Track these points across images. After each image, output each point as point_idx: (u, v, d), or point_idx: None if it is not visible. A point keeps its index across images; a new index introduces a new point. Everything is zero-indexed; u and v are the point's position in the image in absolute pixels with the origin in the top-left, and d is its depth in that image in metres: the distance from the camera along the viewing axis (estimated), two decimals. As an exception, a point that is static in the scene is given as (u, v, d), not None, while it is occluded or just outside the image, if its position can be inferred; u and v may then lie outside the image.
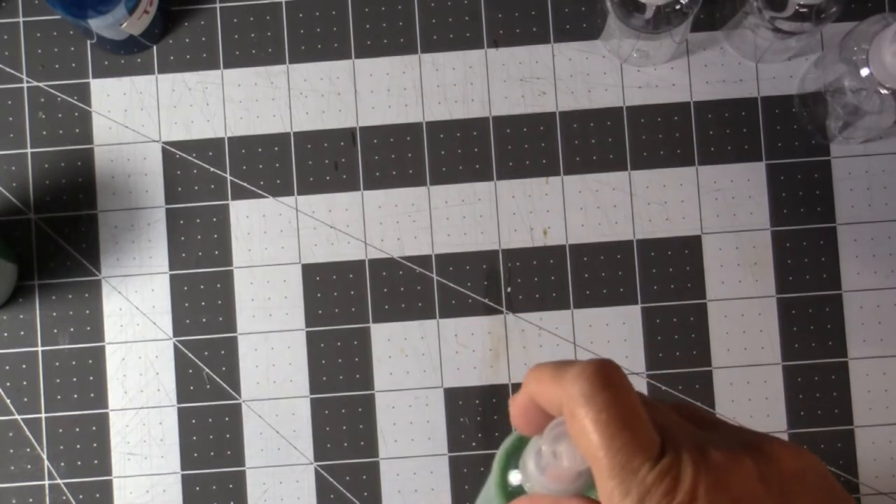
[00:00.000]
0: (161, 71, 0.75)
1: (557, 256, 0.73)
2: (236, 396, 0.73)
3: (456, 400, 0.73)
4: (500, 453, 0.44)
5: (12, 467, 0.73)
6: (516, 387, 0.73)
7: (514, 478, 0.43)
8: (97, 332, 0.73)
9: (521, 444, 0.43)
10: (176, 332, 0.73)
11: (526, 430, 0.42)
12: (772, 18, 0.66)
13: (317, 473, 0.73)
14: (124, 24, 0.69)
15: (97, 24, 0.68)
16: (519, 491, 0.43)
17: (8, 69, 0.75)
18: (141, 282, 0.73)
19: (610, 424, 0.37)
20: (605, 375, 0.38)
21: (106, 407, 0.73)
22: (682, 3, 0.65)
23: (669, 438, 0.38)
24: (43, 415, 0.73)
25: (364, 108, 0.74)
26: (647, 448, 0.37)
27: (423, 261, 0.73)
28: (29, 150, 0.74)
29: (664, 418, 0.39)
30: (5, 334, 0.73)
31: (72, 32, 0.75)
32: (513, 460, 0.43)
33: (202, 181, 0.74)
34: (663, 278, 0.73)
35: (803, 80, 0.73)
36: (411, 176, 0.74)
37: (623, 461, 0.37)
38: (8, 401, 0.73)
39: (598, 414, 0.37)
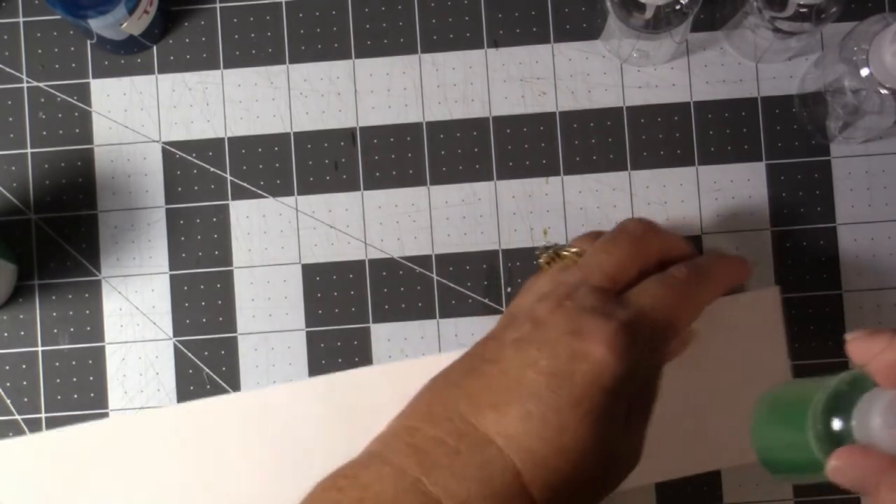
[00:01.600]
0: (161, 71, 0.75)
1: (557, 256, 0.73)
2: (236, 396, 0.73)
3: (456, 400, 0.73)
4: (826, 393, 0.41)
5: (12, 467, 0.73)
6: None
7: (838, 424, 0.41)
8: (97, 332, 0.73)
9: (850, 390, 0.41)
10: (176, 332, 0.73)
11: (886, 382, 0.40)
12: (772, 18, 0.66)
13: (317, 473, 0.73)
14: (124, 24, 0.69)
15: (97, 24, 0.68)
16: (837, 437, 0.41)
17: (8, 69, 0.75)
18: (141, 282, 0.74)
19: None
20: None
21: (106, 407, 0.73)
22: (682, 3, 0.65)
23: None
24: (43, 415, 0.73)
25: (364, 108, 0.74)
26: None
27: (423, 261, 0.73)
28: (29, 150, 0.74)
29: None
30: (5, 334, 0.73)
31: (72, 32, 0.75)
32: (839, 404, 0.41)
33: (202, 181, 0.74)
34: (663, 278, 0.73)
35: (803, 80, 0.73)
36: (411, 176, 0.74)
37: None
38: (8, 401, 0.73)
39: None
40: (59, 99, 0.75)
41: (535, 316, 0.51)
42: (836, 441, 0.40)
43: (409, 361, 0.71)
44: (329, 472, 0.52)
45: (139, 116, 0.74)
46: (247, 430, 0.70)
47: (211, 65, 0.75)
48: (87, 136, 0.74)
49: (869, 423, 0.39)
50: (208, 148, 0.74)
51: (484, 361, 0.51)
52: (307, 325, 0.73)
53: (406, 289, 0.73)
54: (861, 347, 0.42)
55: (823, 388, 0.42)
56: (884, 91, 0.63)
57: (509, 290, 0.73)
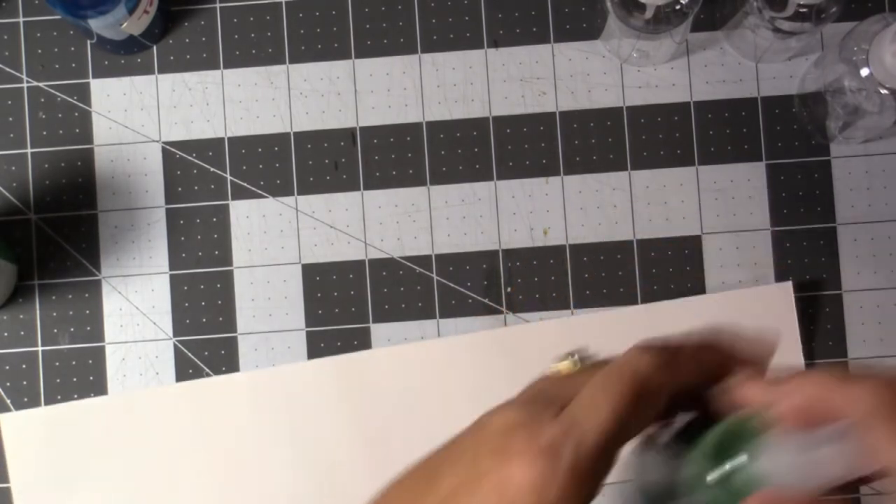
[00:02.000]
0: (161, 71, 0.75)
1: (557, 256, 0.73)
2: (236, 396, 0.73)
3: (456, 400, 0.73)
4: (707, 444, 0.41)
5: (12, 467, 0.73)
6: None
7: (737, 462, 0.41)
8: (97, 332, 0.73)
9: (733, 435, 0.41)
10: (176, 332, 0.73)
11: (797, 425, 0.41)
12: (772, 18, 0.66)
13: (317, 473, 0.73)
14: (124, 24, 0.69)
15: (97, 24, 0.68)
16: (729, 481, 0.41)
17: (8, 69, 0.75)
18: (141, 282, 0.73)
19: None
20: None
21: (106, 407, 0.73)
22: (682, 3, 0.65)
23: None
24: (43, 415, 0.73)
25: (364, 108, 0.74)
26: None
27: (423, 261, 0.73)
28: (29, 150, 0.74)
29: None
30: (5, 334, 0.73)
31: (72, 32, 0.75)
32: (722, 450, 0.41)
33: (202, 181, 0.74)
34: (663, 278, 0.73)
35: (803, 80, 0.73)
36: (411, 176, 0.74)
37: None
38: (8, 401, 0.73)
39: None
40: (59, 99, 0.75)
41: (480, 427, 0.51)
42: (734, 494, 0.41)
43: (408, 345, 0.71)
44: None
45: (139, 116, 0.74)
46: (252, 408, 0.70)
47: (211, 65, 0.75)
48: (87, 136, 0.74)
49: (779, 462, 0.40)
50: (208, 148, 0.74)
51: (435, 469, 0.52)
52: (307, 325, 0.73)
53: (406, 289, 0.73)
54: (757, 393, 0.43)
55: (703, 448, 0.42)
56: (884, 91, 0.63)
57: (509, 290, 0.73)
